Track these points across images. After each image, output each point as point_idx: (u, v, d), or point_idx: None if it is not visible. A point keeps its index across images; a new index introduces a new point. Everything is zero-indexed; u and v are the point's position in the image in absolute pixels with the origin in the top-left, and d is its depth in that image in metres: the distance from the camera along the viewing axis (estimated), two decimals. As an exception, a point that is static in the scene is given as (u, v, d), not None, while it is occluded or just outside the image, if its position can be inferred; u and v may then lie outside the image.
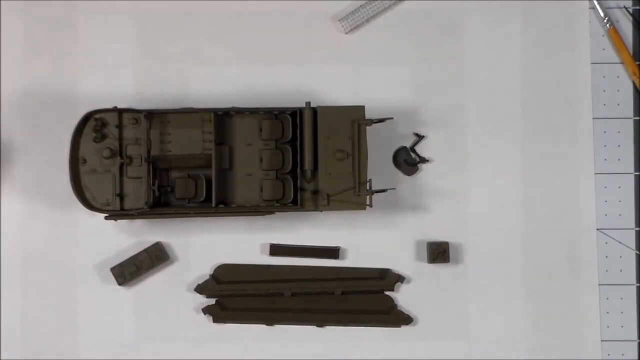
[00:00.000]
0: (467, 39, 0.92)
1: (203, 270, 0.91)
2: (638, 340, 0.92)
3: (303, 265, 0.91)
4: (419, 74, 0.92)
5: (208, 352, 0.91)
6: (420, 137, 0.92)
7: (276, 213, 0.88)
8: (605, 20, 0.92)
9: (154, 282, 0.91)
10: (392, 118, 0.87)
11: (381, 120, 0.86)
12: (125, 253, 0.91)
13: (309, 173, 0.86)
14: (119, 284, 0.90)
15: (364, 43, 0.92)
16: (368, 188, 0.84)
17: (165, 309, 0.91)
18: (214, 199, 0.85)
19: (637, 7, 0.93)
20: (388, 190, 0.88)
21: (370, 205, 0.85)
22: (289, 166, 0.86)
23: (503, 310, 0.92)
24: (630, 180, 0.92)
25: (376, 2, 0.92)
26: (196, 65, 0.92)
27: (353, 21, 0.92)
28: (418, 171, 0.92)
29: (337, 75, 0.91)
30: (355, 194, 0.85)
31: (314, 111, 0.86)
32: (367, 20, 0.92)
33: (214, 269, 0.91)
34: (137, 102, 0.91)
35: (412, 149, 0.92)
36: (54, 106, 0.91)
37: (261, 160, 0.87)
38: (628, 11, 0.92)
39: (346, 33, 0.92)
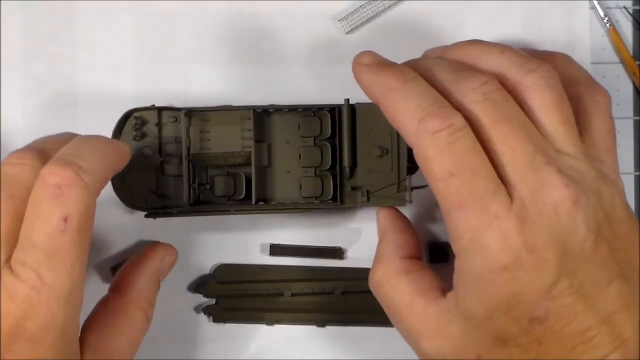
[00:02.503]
0: (467, 39, 0.92)
1: (203, 270, 0.91)
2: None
3: (303, 265, 0.91)
4: (419, 74, 0.92)
5: (208, 352, 0.91)
6: (420, 137, 0.92)
7: (275, 213, 0.88)
8: (605, 20, 0.92)
9: (154, 282, 0.91)
10: None
11: None
12: (125, 253, 0.91)
13: (348, 170, 0.85)
14: (119, 283, 0.90)
15: (364, 43, 0.92)
16: (408, 184, 0.84)
17: (165, 309, 0.91)
18: (254, 196, 0.85)
19: (637, 7, 0.93)
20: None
21: (410, 201, 0.84)
22: (328, 163, 0.86)
23: (503, 310, 0.91)
24: (630, 180, 0.92)
25: (376, 2, 0.92)
26: (196, 65, 0.92)
27: (353, 21, 0.92)
28: (418, 170, 0.91)
29: (337, 75, 0.91)
30: (395, 190, 0.85)
31: (353, 108, 0.85)
32: (367, 20, 0.92)
33: (214, 269, 0.91)
34: (139, 102, 0.90)
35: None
36: (53, 106, 0.91)
37: (300, 157, 0.87)
38: (628, 11, 0.92)
39: (346, 33, 0.92)
